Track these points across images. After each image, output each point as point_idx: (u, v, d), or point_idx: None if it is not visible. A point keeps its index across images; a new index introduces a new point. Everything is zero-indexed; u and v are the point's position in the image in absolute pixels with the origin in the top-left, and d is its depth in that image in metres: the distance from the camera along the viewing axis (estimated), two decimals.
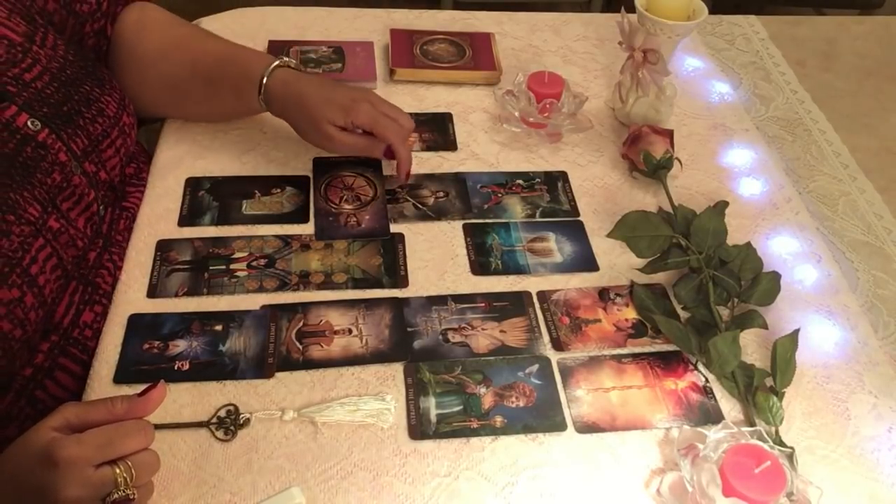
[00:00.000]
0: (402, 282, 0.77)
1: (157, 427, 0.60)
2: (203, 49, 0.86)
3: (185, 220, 0.81)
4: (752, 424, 0.67)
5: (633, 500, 0.62)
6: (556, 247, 0.82)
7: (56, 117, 0.70)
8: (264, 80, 0.81)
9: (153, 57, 0.85)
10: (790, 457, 0.63)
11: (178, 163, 0.87)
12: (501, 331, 0.73)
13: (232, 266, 0.77)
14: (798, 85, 1.09)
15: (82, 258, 0.73)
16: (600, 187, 0.90)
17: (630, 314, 0.76)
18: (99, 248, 0.76)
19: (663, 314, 0.75)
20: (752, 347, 0.74)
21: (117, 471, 0.53)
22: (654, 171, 0.86)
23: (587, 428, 0.66)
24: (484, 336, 0.73)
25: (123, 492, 0.54)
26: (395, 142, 0.82)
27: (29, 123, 0.67)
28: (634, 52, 0.90)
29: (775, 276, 0.78)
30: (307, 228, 0.81)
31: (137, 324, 0.71)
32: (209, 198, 0.84)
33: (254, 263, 0.77)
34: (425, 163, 0.91)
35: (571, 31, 1.15)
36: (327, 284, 0.76)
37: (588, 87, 1.04)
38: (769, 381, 0.70)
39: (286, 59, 0.84)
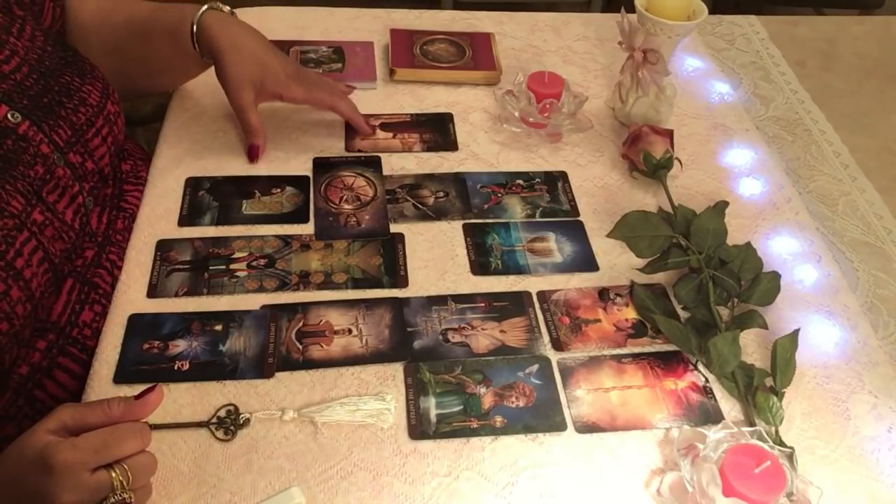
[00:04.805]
0: (402, 282, 0.77)
1: (157, 427, 0.60)
2: (139, 6, 0.86)
3: (185, 220, 0.81)
4: (752, 424, 0.67)
5: (633, 500, 0.62)
6: (556, 247, 0.82)
7: (37, 109, 0.70)
8: (196, 17, 0.81)
9: (94, 22, 0.85)
10: (790, 457, 0.62)
11: (178, 163, 0.87)
12: (501, 331, 0.73)
13: (232, 266, 0.77)
14: (798, 85, 1.09)
15: (72, 252, 0.72)
16: (600, 187, 0.90)
17: (630, 314, 0.76)
18: (97, 248, 0.76)
19: (663, 314, 0.75)
20: (752, 347, 0.74)
21: (113, 474, 0.53)
22: (654, 171, 0.86)
23: (587, 428, 0.66)
24: (484, 336, 0.73)
25: (120, 495, 0.53)
26: (335, 104, 0.88)
27: (9, 116, 0.67)
28: (634, 52, 0.90)
29: (775, 276, 0.78)
30: (307, 228, 0.81)
31: (137, 324, 0.71)
32: (209, 198, 0.84)
33: (254, 263, 0.77)
34: (425, 163, 0.91)
35: (571, 31, 1.15)
36: (327, 284, 0.76)
37: (588, 87, 1.04)
38: (769, 381, 0.70)
39: (219, 3, 0.84)
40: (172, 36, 0.83)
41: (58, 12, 0.82)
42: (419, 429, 0.65)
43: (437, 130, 0.95)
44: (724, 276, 0.76)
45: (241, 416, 0.64)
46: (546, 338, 0.73)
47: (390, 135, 0.94)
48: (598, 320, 0.75)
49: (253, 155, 0.87)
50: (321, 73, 0.96)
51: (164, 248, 0.78)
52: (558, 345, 0.73)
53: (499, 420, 0.66)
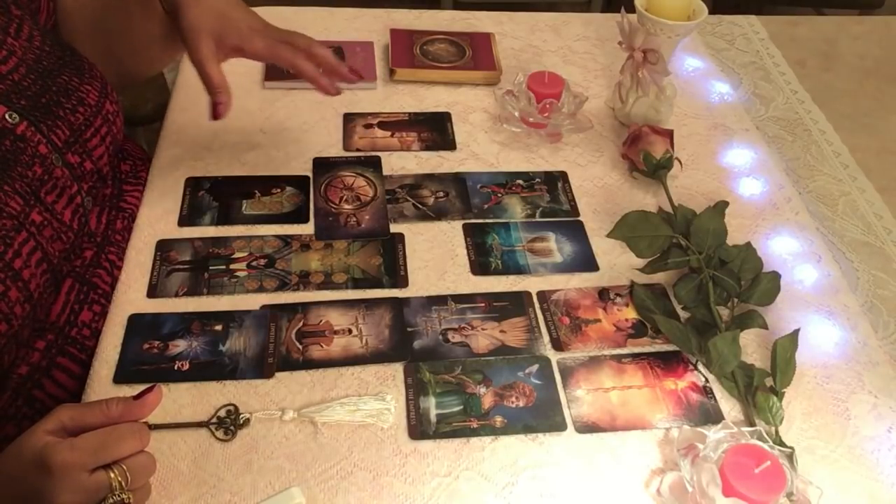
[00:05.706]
0: (402, 282, 0.77)
1: (157, 427, 0.60)
2: None
3: (185, 220, 0.81)
4: (752, 424, 0.67)
5: (633, 500, 0.62)
6: (556, 247, 0.82)
7: (35, 109, 0.69)
8: None
9: (75, 2, 0.83)
10: (790, 457, 0.63)
11: (178, 163, 0.87)
12: (501, 331, 0.73)
13: (232, 266, 0.77)
14: (798, 85, 1.09)
15: (71, 252, 0.72)
16: (600, 187, 0.90)
17: (630, 314, 0.76)
18: (96, 248, 0.76)
19: (663, 314, 0.75)
20: (752, 347, 0.74)
21: (112, 475, 0.53)
22: (654, 171, 0.86)
23: (587, 428, 0.66)
24: (484, 336, 0.73)
25: (119, 496, 0.53)
26: (297, 64, 0.80)
27: (7, 116, 0.66)
28: (634, 52, 0.90)
29: (775, 276, 0.78)
30: (307, 228, 0.81)
31: (137, 324, 0.71)
32: (209, 198, 0.84)
33: (254, 263, 0.77)
34: (425, 163, 0.91)
35: (571, 31, 1.15)
36: (327, 284, 0.76)
37: (588, 87, 1.04)
38: (769, 381, 0.70)
39: None
40: (142, 1, 0.80)
41: (51, 7, 0.82)
42: (419, 429, 0.65)
43: (434, 129, 0.95)
44: (724, 276, 0.76)
45: (241, 416, 0.64)
46: (546, 338, 0.73)
47: (388, 133, 0.94)
48: (598, 320, 0.75)
49: (216, 113, 0.77)
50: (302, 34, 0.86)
51: (164, 248, 0.78)
52: (558, 345, 0.73)
53: (499, 420, 0.66)
